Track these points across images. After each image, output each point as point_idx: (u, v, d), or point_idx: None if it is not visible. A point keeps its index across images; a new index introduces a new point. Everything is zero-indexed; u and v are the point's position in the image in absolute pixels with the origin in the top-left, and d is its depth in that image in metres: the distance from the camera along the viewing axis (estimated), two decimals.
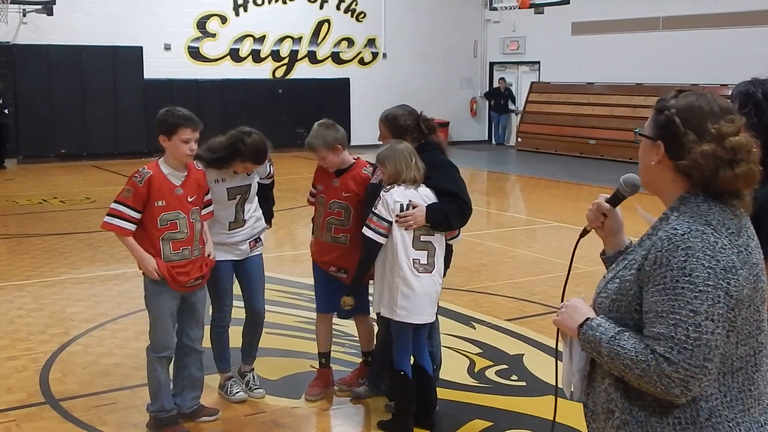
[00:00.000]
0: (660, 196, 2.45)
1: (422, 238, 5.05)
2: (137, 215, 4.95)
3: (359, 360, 6.06)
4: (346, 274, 5.56)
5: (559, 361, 2.69)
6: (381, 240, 5.01)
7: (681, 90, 2.45)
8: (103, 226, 5.02)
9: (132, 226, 4.95)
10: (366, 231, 5.03)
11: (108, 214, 4.98)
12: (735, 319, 2.22)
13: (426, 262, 5.06)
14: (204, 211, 5.27)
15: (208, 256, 5.26)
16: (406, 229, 4.98)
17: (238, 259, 5.61)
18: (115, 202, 4.98)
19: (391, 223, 4.98)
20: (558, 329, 2.59)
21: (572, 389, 2.62)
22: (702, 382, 2.19)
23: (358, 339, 6.01)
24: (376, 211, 5.01)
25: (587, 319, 2.42)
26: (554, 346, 2.80)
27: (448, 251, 5.39)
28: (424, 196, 5.07)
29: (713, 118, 2.31)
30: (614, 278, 2.43)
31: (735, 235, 2.27)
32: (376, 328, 5.82)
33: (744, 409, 2.28)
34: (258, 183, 5.69)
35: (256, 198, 5.71)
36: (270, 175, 5.84)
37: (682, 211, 2.32)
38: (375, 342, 5.84)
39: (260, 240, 5.74)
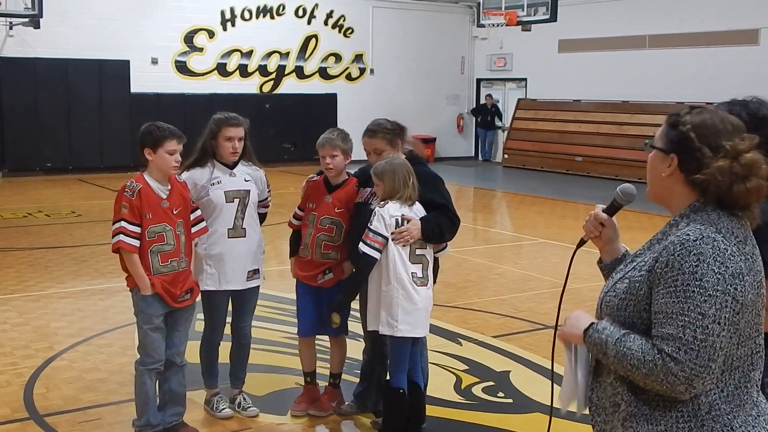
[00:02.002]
0: (668, 206, 2.57)
1: (417, 251, 5.06)
2: (138, 230, 4.98)
3: (349, 377, 6.05)
4: (332, 273, 5.54)
5: (556, 382, 2.72)
6: (377, 255, 4.98)
7: (693, 106, 2.57)
8: (116, 246, 4.99)
9: (137, 242, 4.99)
10: (362, 247, 4.98)
11: (114, 234, 4.98)
12: (738, 322, 2.35)
13: (422, 276, 5.07)
14: (194, 228, 5.29)
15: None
16: (403, 246, 4.98)
17: (236, 289, 5.58)
18: (116, 221, 4.99)
19: (387, 238, 4.96)
20: (554, 349, 2.63)
21: (574, 401, 2.69)
22: (705, 381, 2.32)
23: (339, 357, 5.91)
24: (371, 226, 4.98)
25: (592, 323, 2.53)
26: (540, 363, 2.80)
27: (435, 265, 5.39)
28: (417, 212, 5.09)
29: (727, 135, 2.45)
30: (623, 278, 2.53)
31: (742, 243, 2.41)
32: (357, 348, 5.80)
33: (740, 404, 2.41)
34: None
35: (259, 227, 5.70)
36: (267, 203, 5.85)
37: (692, 219, 2.45)
38: (343, 365, 5.83)
39: (259, 272, 5.69)
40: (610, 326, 2.48)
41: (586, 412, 2.68)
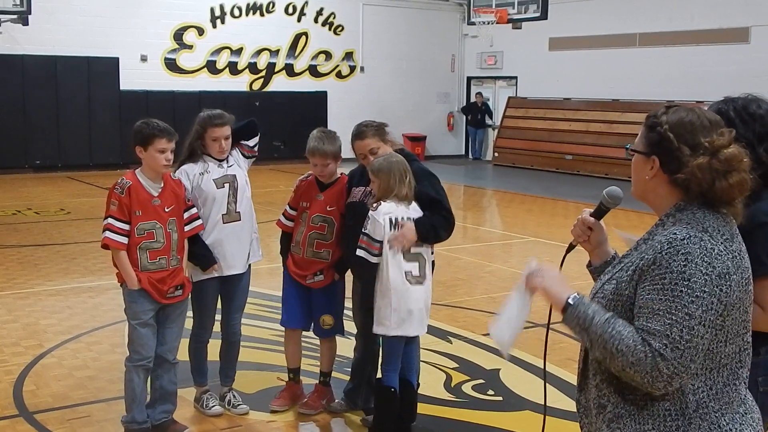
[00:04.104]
0: (654, 207, 2.56)
1: (413, 250, 5.05)
2: (126, 227, 5.00)
3: (339, 375, 6.05)
4: (322, 276, 5.54)
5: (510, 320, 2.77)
6: (374, 260, 4.97)
7: (669, 105, 2.56)
8: (104, 242, 5.04)
9: (125, 239, 5.01)
10: (360, 252, 4.98)
11: (104, 230, 5.02)
12: (724, 321, 2.35)
13: (418, 274, 5.06)
14: (187, 227, 5.29)
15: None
16: (401, 252, 4.96)
17: (226, 275, 5.57)
18: (106, 217, 5.04)
19: (381, 242, 4.95)
20: (546, 347, 2.64)
21: (507, 342, 2.77)
22: (683, 379, 2.33)
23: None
24: (366, 231, 4.98)
25: (575, 294, 2.51)
26: (530, 361, 2.80)
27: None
28: (413, 210, 5.07)
29: (704, 131, 2.44)
30: (611, 279, 2.53)
31: (729, 241, 2.40)
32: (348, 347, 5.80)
33: (728, 402, 2.42)
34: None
35: (253, 212, 5.68)
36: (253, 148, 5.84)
37: (678, 218, 2.44)
38: (333, 363, 5.83)
39: (248, 255, 5.68)
40: (594, 303, 2.47)
41: (508, 353, 2.80)
